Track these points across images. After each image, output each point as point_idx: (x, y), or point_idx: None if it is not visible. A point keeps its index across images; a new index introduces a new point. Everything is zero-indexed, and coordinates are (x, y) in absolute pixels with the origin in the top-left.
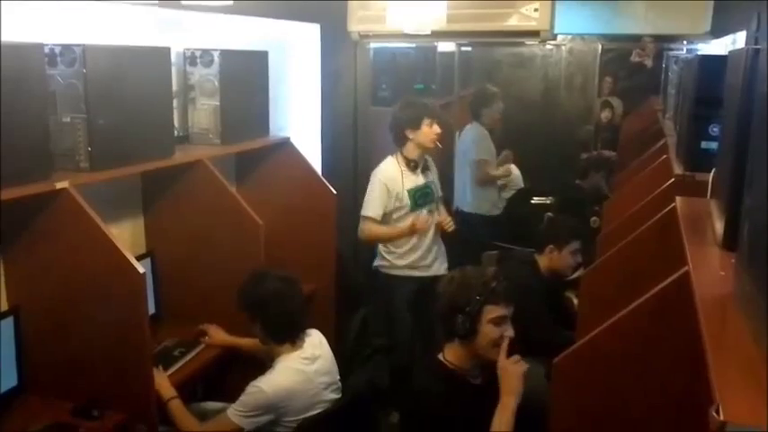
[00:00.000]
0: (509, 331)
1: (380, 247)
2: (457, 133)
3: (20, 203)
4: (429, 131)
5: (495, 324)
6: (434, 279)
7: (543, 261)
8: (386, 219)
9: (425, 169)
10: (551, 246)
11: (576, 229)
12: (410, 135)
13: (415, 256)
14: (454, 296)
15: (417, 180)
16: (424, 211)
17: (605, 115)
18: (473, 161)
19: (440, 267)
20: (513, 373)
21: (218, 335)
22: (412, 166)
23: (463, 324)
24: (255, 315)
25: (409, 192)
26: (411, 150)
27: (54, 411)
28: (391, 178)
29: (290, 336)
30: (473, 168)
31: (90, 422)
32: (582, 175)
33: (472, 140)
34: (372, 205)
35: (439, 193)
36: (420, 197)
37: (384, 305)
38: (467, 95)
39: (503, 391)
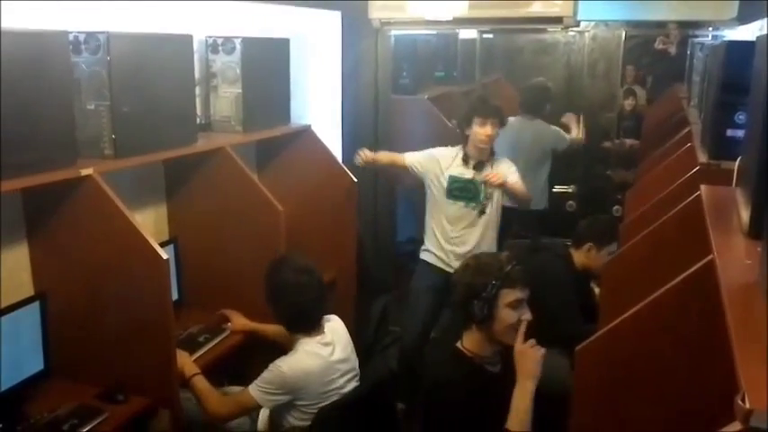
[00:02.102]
0: (526, 314)
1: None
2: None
3: (45, 190)
4: (478, 131)
5: (512, 308)
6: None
7: (579, 257)
8: (429, 199)
9: (480, 168)
10: (590, 244)
11: (618, 232)
12: (466, 131)
13: (443, 247)
14: (470, 282)
15: (464, 172)
16: (458, 205)
17: (629, 103)
18: (565, 149)
19: None
20: (530, 356)
21: (239, 321)
22: (465, 159)
23: (480, 309)
24: (270, 304)
25: (449, 177)
26: (468, 146)
27: (79, 395)
28: (443, 153)
29: (303, 327)
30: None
31: (115, 406)
32: (613, 165)
33: (556, 134)
34: (412, 153)
35: (495, 197)
36: (456, 189)
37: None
38: (488, 83)
39: (520, 375)
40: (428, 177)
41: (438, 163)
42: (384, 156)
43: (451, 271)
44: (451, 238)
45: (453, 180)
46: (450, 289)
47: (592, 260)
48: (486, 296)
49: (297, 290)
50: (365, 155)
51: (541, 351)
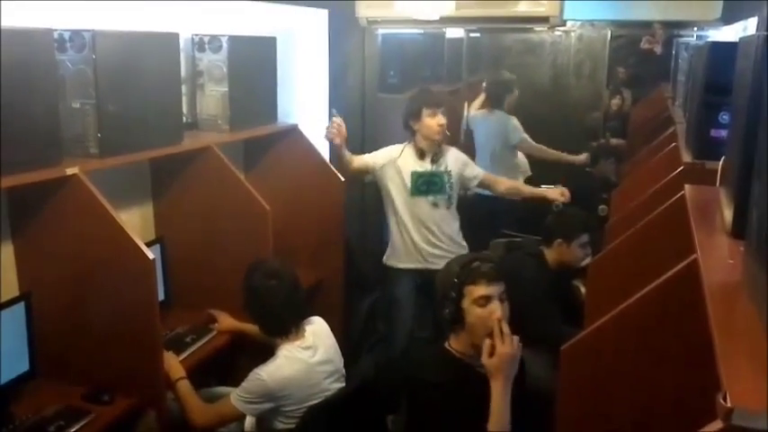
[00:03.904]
0: (497, 312)
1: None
2: (465, 120)
3: (30, 189)
4: (431, 122)
5: (479, 305)
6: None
7: (551, 254)
8: (390, 202)
9: (437, 159)
10: (559, 240)
11: (585, 223)
12: (414, 126)
13: (416, 246)
14: (441, 284)
15: (424, 166)
16: (426, 200)
17: (615, 102)
18: (516, 144)
19: None
20: (498, 353)
21: (226, 321)
22: (419, 154)
23: (450, 310)
24: (246, 310)
25: (412, 174)
26: (419, 140)
27: (65, 396)
28: (393, 151)
29: (278, 331)
30: (519, 150)
31: (101, 406)
32: (592, 162)
33: (511, 127)
34: (367, 155)
35: (455, 186)
36: (422, 183)
37: (387, 298)
38: (474, 82)
39: (490, 377)
40: (386, 178)
41: (393, 162)
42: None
43: (424, 268)
44: (421, 235)
45: (418, 176)
46: (427, 286)
47: (564, 255)
48: (453, 296)
49: (265, 295)
50: (338, 126)
51: (511, 348)
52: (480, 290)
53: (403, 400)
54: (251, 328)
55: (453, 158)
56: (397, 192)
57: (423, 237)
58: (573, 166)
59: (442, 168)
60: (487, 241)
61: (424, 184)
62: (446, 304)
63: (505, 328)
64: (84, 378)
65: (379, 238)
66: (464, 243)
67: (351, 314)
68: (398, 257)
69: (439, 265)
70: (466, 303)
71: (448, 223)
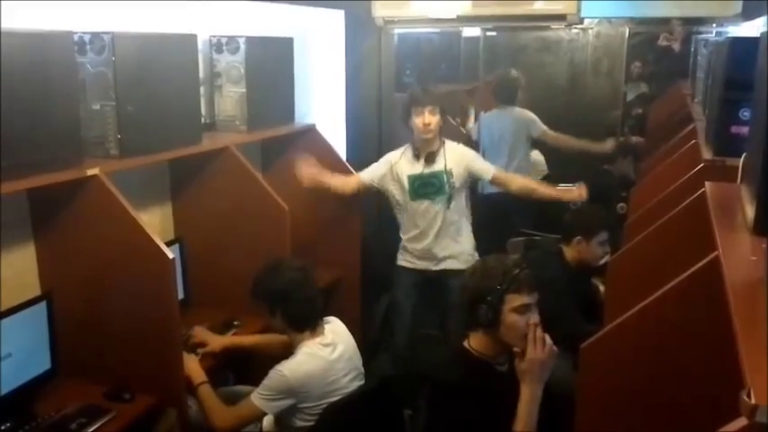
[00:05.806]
0: (534, 318)
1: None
2: (473, 119)
3: (52, 190)
4: (417, 122)
5: (518, 313)
6: (442, 273)
7: (570, 252)
8: (394, 206)
9: (432, 159)
10: (579, 237)
11: (605, 220)
12: (410, 126)
13: (419, 247)
14: (476, 286)
15: (418, 168)
16: (426, 203)
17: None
18: (538, 136)
19: (452, 264)
20: (528, 358)
21: (216, 340)
22: (415, 155)
23: (486, 314)
24: (276, 307)
25: (409, 177)
26: (415, 141)
27: (86, 394)
28: (392, 156)
29: (311, 323)
30: (545, 140)
31: (122, 405)
32: (610, 160)
33: (530, 120)
34: (368, 168)
35: (459, 183)
36: (420, 186)
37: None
38: (491, 81)
39: (529, 380)
40: (387, 185)
41: (391, 167)
42: (335, 179)
43: (426, 268)
44: (422, 237)
45: (414, 179)
46: (431, 285)
47: (583, 253)
48: (491, 301)
49: (301, 286)
50: (307, 171)
51: (543, 354)
52: (523, 298)
53: (421, 399)
54: (242, 340)
55: (455, 155)
56: (398, 196)
57: (424, 238)
58: (592, 162)
59: (440, 168)
60: (504, 240)
61: (422, 187)
62: (482, 307)
63: (539, 334)
64: (105, 376)
65: (394, 237)
66: (472, 241)
67: (368, 313)
68: (404, 257)
69: (439, 265)
70: (505, 310)
71: (449, 223)
